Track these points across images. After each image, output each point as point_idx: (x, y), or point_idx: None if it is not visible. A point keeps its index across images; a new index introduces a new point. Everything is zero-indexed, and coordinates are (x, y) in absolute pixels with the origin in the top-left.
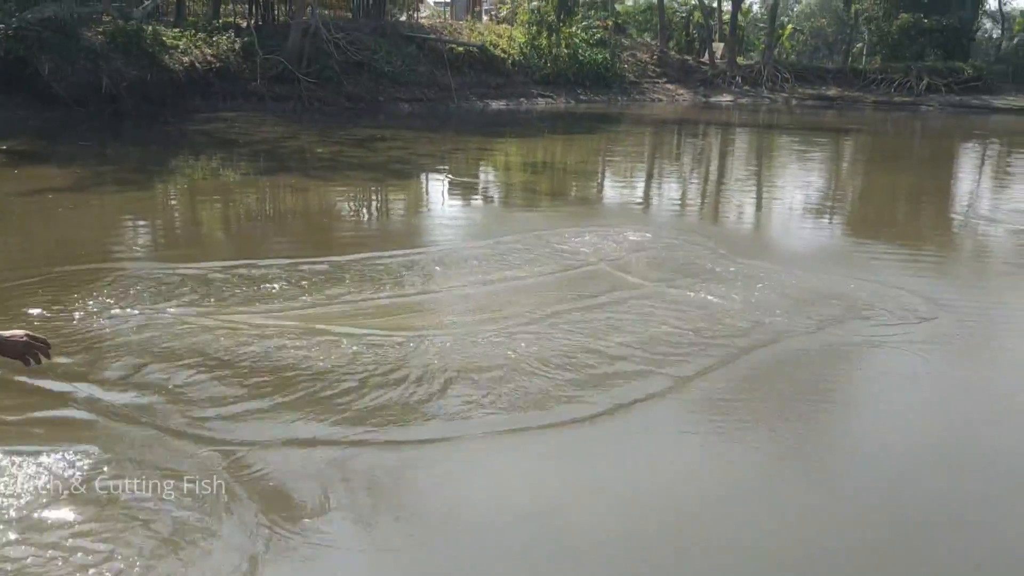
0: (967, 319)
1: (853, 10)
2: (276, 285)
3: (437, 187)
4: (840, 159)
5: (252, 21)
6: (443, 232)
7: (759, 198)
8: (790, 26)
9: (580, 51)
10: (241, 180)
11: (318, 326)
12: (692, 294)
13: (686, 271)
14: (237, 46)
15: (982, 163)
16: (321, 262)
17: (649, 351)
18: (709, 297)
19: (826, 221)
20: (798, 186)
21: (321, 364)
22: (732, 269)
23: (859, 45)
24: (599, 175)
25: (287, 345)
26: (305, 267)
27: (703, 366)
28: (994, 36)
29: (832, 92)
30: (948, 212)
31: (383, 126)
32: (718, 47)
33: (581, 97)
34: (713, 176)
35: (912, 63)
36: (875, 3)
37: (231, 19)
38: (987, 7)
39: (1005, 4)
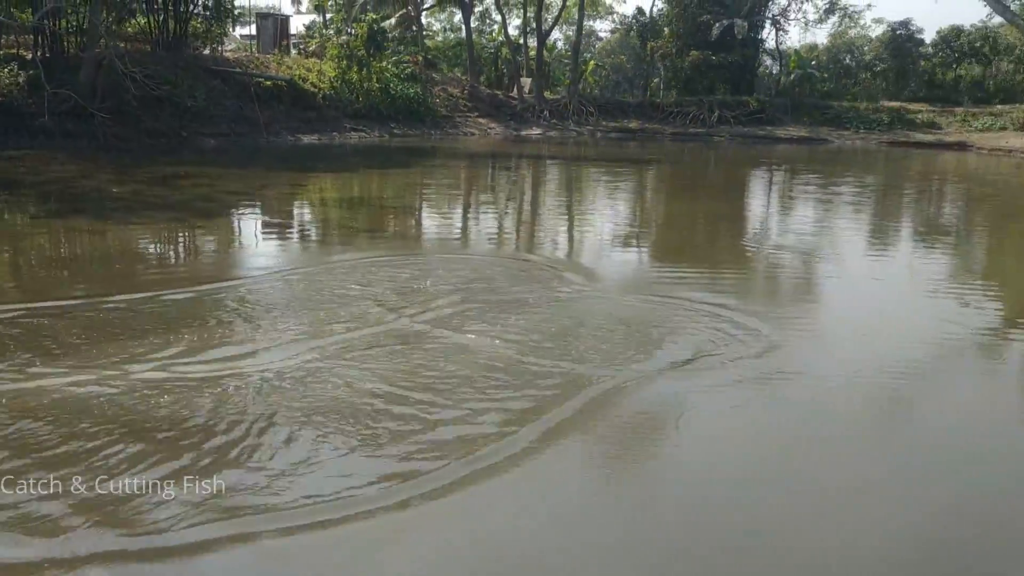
0: (781, 339)
1: (649, 48)
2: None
3: (246, 225)
4: (644, 188)
5: (38, 53)
6: (246, 270)
7: (571, 227)
8: (592, 62)
9: (391, 85)
10: (28, 222)
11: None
12: (515, 319)
13: (499, 304)
14: (21, 79)
15: (770, 189)
16: (113, 302)
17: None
18: (524, 331)
19: (635, 247)
20: (608, 215)
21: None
22: (548, 296)
23: (656, 80)
24: (416, 209)
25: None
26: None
27: (537, 412)
28: (774, 72)
29: (634, 124)
30: (743, 236)
31: (187, 163)
32: (526, 82)
33: (395, 131)
34: (528, 207)
35: (704, 97)
36: (668, 41)
37: (13, 50)
38: (766, 46)
39: (782, 43)
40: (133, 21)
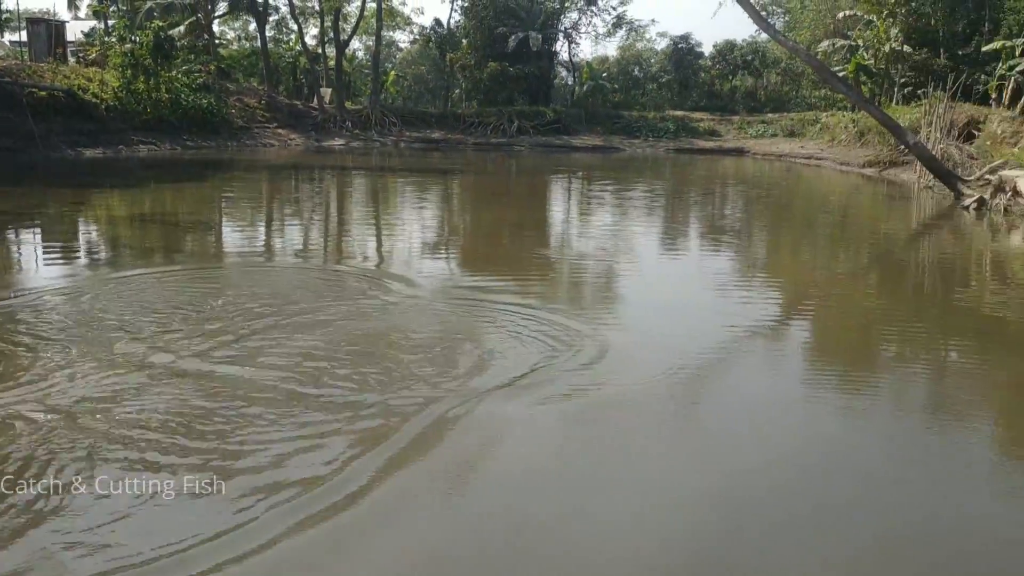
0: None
1: (448, 59)
2: None
3: (21, 249)
4: (451, 198)
5: None
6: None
7: (380, 237)
8: (393, 72)
9: (183, 96)
10: None
11: None
12: (321, 335)
13: (301, 324)
14: None
15: (570, 196)
16: None
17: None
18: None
19: (444, 256)
20: (417, 224)
21: None
22: (358, 309)
23: (457, 91)
24: (214, 224)
25: None
26: None
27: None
28: (569, 83)
29: (436, 135)
30: (549, 242)
31: None
32: (327, 92)
33: (188, 143)
34: (335, 218)
35: (504, 107)
36: (467, 53)
37: None
38: (561, 58)
39: (575, 55)
40: None
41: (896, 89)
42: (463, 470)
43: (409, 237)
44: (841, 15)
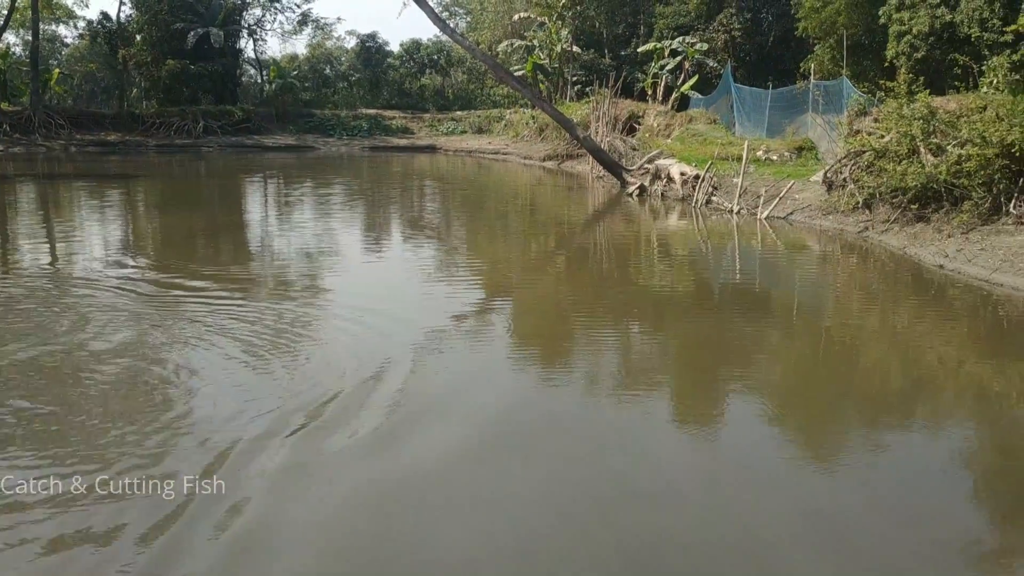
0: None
1: (121, 55)
2: None
3: None
4: (136, 204)
5: None
6: None
7: (53, 254)
8: (57, 70)
9: None
10: None
11: None
12: None
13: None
14: None
15: (266, 196)
16: None
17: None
18: None
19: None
20: (97, 236)
21: None
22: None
23: (135, 90)
24: None
25: None
26: None
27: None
28: (258, 81)
29: (113, 137)
30: (251, 246)
31: None
32: None
33: None
34: (9, 235)
35: (187, 107)
36: (142, 49)
37: None
38: (247, 55)
39: (262, 53)
40: None
41: (569, 87)
42: None
43: (91, 245)
44: (517, 17)
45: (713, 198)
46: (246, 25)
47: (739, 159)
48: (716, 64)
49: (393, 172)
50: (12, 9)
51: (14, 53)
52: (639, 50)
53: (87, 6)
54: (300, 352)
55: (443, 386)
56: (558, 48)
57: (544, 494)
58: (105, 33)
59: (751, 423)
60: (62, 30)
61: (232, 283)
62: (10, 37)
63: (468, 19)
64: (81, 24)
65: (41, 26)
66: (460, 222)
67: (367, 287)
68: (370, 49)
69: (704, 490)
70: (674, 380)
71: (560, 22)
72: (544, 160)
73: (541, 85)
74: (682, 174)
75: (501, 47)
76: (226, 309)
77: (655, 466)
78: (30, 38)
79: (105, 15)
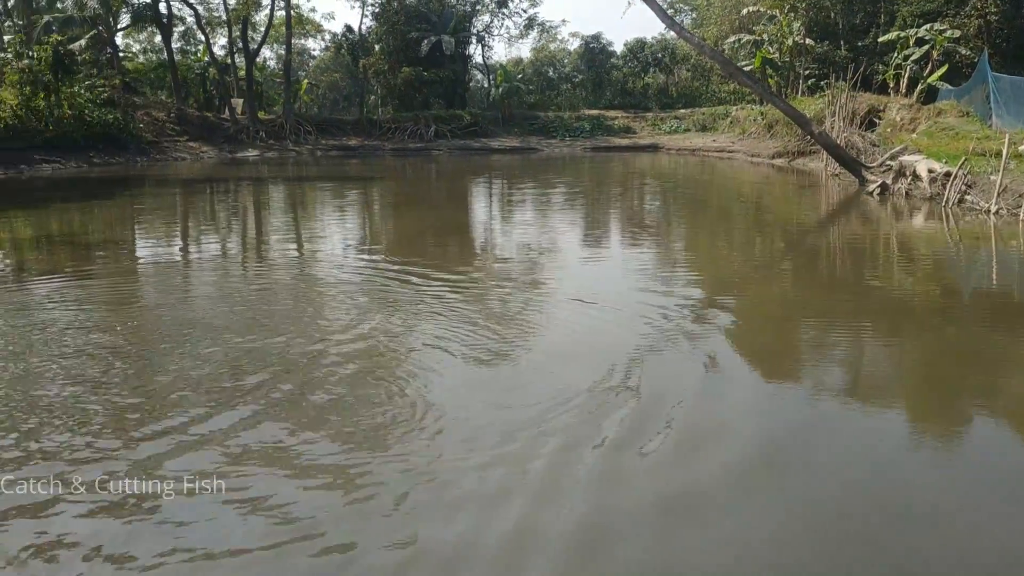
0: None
1: (361, 65)
2: None
3: None
4: (372, 204)
5: None
6: None
7: (300, 246)
8: (306, 81)
9: (86, 112)
10: None
11: None
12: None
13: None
14: None
15: (491, 197)
16: None
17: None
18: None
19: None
20: (338, 231)
21: None
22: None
23: (372, 97)
24: (129, 243)
25: None
26: None
27: None
28: (484, 86)
29: (353, 142)
30: (478, 243)
31: None
32: (238, 103)
33: (95, 160)
34: (255, 230)
35: (420, 112)
36: (380, 58)
37: None
38: (475, 61)
39: (489, 58)
40: None
41: (801, 81)
42: None
43: (332, 239)
44: (745, 11)
45: (967, 197)
46: (475, 32)
47: (998, 155)
48: (969, 52)
49: (614, 172)
50: (269, 27)
51: (268, 66)
52: (879, 40)
53: (333, 19)
54: (541, 349)
55: (676, 397)
56: (789, 41)
57: (797, 512)
58: (348, 44)
59: (1005, 438)
60: (310, 43)
61: (464, 275)
62: (265, 51)
63: (694, 15)
64: (327, 37)
65: (292, 41)
66: (686, 221)
67: (595, 282)
68: (593, 50)
69: (960, 509)
70: (925, 393)
71: (792, 14)
72: (773, 157)
73: (771, 80)
74: (930, 171)
75: (728, 42)
76: (462, 301)
77: (908, 483)
78: (283, 52)
79: (348, 27)
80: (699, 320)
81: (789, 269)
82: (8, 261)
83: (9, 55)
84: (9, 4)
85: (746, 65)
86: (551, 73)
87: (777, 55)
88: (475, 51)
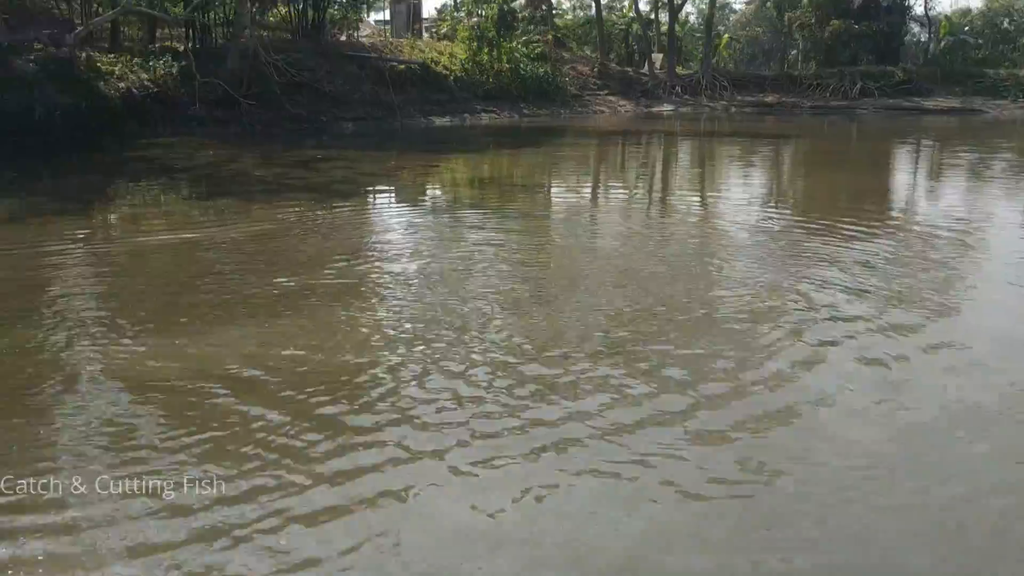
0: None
1: (786, 18)
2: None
3: (383, 205)
4: (782, 162)
5: (189, 45)
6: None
7: (708, 200)
8: (726, 36)
9: (521, 66)
10: (181, 205)
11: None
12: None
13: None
14: (174, 70)
15: (917, 164)
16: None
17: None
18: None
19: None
20: (742, 187)
21: None
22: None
23: (794, 52)
24: (586, 188)
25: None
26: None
27: None
28: (922, 40)
29: (770, 99)
30: (896, 208)
31: (326, 146)
32: (657, 58)
33: (524, 111)
34: (670, 183)
35: (846, 68)
36: (807, 11)
37: (168, 43)
38: (913, 12)
39: (931, 8)
40: (275, 11)
41: None
42: None
43: (735, 193)
44: None
45: None
46: None
47: None
48: None
49: None
50: None
51: (689, 21)
52: None
53: None
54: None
55: None
56: None
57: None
58: None
59: None
60: None
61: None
62: (688, 7)
63: None
64: None
65: None
66: None
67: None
68: None
69: None
70: None
71: None
72: None
73: None
74: None
75: None
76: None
77: None
78: (705, 7)
79: None
80: None
81: None
82: (448, 196)
83: (462, 14)
84: None
85: None
86: (1007, 25)
87: None
88: (915, 2)
